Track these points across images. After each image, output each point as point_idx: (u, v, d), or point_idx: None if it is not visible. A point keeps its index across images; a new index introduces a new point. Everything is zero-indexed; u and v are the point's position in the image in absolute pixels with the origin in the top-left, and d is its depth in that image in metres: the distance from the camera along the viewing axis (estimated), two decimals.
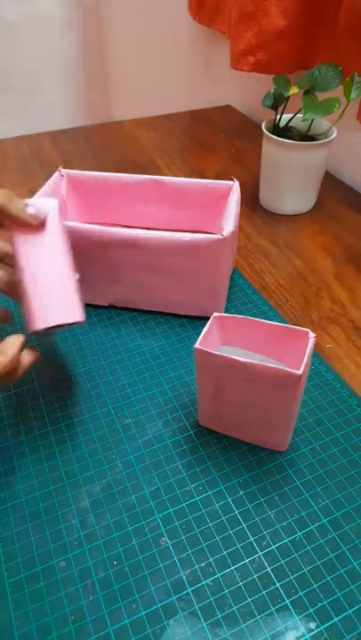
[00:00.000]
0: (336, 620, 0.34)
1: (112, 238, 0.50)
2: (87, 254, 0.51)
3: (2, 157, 0.88)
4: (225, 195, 0.57)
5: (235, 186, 0.56)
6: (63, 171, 0.59)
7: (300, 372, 0.36)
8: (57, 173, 0.58)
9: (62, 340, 0.53)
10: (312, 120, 0.67)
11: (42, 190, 0.55)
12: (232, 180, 0.57)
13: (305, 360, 0.37)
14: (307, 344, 0.39)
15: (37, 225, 0.41)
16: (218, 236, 0.48)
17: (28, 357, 0.40)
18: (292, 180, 0.70)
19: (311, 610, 0.34)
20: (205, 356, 0.38)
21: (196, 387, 0.48)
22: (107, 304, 0.56)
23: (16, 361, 0.38)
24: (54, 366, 0.50)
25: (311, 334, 0.39)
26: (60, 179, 0.58)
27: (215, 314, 0.42)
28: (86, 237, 0.50)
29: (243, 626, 0.33)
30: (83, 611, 0.34)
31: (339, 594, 0.35)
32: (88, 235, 0.50)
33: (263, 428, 0.42)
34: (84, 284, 0.50)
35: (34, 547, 0.37)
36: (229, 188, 0.57)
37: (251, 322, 0.41)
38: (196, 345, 0.39)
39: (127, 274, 0.52)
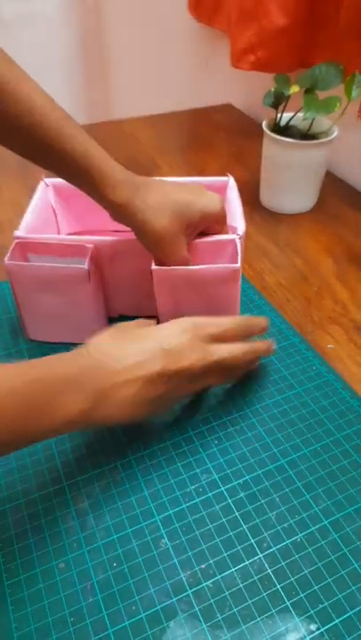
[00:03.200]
0: (337, 621, 0.33)
1: (124, 248, 0.48)
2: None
3: (1, 156, 0.88)
4: (220, 191, 0.57)
5: (230, 182, 0.55)
6: (47, 180, 0.56)
7: (238, 265, 0.45)
8: (42, 183, 0.56)
9: (62, 342, 0.53)
10: (313, 119, 0.66)
11: (31, 204, 0.53)
12: (226, 175, 0.56)
13: (239, 256, 0.46)
14: (235, 245, 0.47)
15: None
16: (234, 236, 0.48)
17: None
18: (292, 178, 0.69)
19: (312, 611, 0.34)
20: (163, 273, 0.45)
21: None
22: (117, 315, 0.54)
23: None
24: None
25: (236, 238, 0.47)
26: (45, 188, 0.56)
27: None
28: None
29: (243, 627, 0.33)
30: (82, 612, 0.34)
31: (340, 595, 0.35)
32: (98, 246, 0.48)
33: None
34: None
35: (33, 548, 0.37)
36: (224, 185, 0.56)
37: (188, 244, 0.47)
38: (153, 267, 0.45)
39: (140, 282, 0.50)
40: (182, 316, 0.48)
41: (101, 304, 0.51)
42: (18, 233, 0.49)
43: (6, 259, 0.46)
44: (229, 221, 0.50)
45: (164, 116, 1.02)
